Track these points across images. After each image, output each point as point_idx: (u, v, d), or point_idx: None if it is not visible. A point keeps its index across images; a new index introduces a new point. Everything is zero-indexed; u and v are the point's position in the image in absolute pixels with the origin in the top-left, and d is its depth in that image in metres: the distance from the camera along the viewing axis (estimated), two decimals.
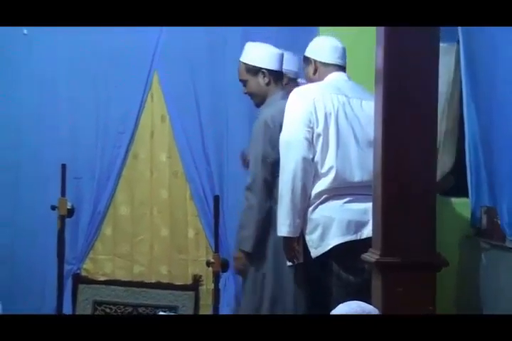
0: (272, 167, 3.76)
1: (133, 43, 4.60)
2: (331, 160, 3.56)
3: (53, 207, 3.75)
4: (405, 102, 3.09)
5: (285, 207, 3.55)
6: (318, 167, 3.58)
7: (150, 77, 4.65)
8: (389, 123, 3.11)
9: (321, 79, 3.76)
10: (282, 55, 3.98)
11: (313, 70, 3.78)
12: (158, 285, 4.66)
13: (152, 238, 4.70)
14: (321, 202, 3.59)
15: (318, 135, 3.57)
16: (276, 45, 4.29)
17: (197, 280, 4.60)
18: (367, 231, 3.49)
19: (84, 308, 4.62)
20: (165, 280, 4.66)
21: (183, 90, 4.66)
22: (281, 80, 4.02)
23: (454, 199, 4.28)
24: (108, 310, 4.64)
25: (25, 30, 4.46)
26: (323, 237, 3.54)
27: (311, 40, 4.09)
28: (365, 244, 3.32)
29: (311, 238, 3.58)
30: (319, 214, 3.57)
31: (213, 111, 4.66)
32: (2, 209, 4.57)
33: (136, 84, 4.59)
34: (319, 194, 3.57)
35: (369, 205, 3.33)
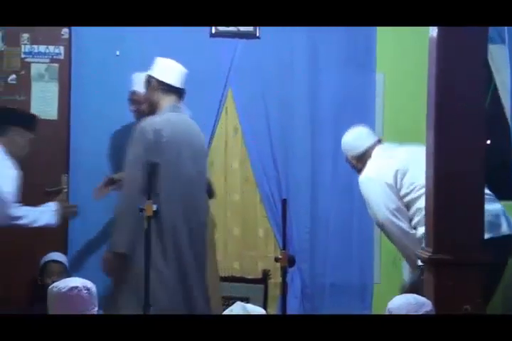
0: (145, 169, 3.65)
1: (211, 61, 4.75)
2: None
3: (141, 210, 3.63)
4: (456, 106, 3.13)
5: None
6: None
7: (225, 92, 4.79)
8: (440, 129, 3.16)
9: None
10: (183, 72, 3.97)
11: None
12: (232, 279, 4.71)
13: (226, 237, 4.86)
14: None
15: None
16: (338, 48, 4.62)
17: (266, 274, 4.69)
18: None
19: None
20: (237, 275, 4.78)
21: (254, 104, 4.80)
22: (174, 94, 3.95)
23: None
24: None
25: (117, 51, 4.68)
26: None
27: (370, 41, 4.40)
28: None
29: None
30: None
31: (281, 123, 4.81)
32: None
33: (212, 98, 4.75)
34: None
35: None
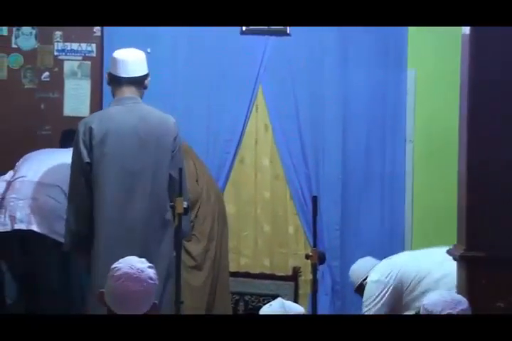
0: (84, 170, 3.62)
1: (242, 58, 4.78)
2: None
3: (171, 206, 3.62)
4: (490, 103, 3.12)
5: None
6: None
7: (255, 90, 4.82)
8: (473, 126, 3.15)
9: None
10: (126, 61, 3.71)
11: None
12: (262, 276, 4.76)
13: (256, 233, 4.88)
14: None
15: None
16: (369, 44, 4.64)
17: (296, 271, 4.70)
18: None
19: None
20: (268, 272, 4.81)
21: (284, 101, 4.82)
22: (122, 85, 3.71)
23: None
24: None
25: (148, 49, 4.57)
26: None
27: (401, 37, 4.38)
28: None
29: None
30: None
31: (311, 120, 4.81)
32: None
33: (243, 96, 4.77)
34: None
35: None
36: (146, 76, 3.77)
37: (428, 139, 4.70)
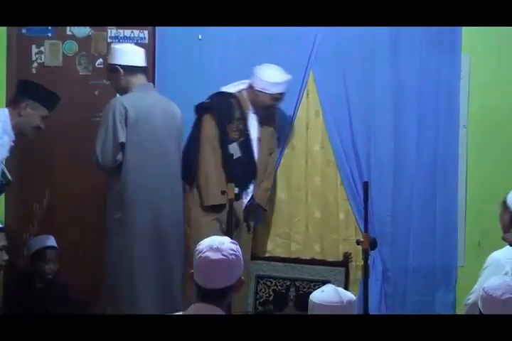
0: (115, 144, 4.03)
1: (293, 45, 4.74)
2: None
3: (223, 192, 3.91)
4: None
5: None
6: None
7: (306, 76, 4.78)
8: None
9: None
10: (137, 52, 4.23)
11: None
12: (313, 262, 4.79)
13: (307, 219, 4.84)
14: None
15: None
16: (421, 44, 4.57)
17: (347, 257, 4.74)
18: None
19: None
20: (318, 257, 4.82)
21: (335, 87, 4.79)
22: (138, 73, 4.19)
23: None
24: (269, 284, 4.77)
25: (200, 35, 4.72)
26: None
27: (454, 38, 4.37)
28: None
29: None
30: None
31: (362, 106, 4.76)
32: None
33: (294, 82, 4.65)
34: None
35: None
36: None
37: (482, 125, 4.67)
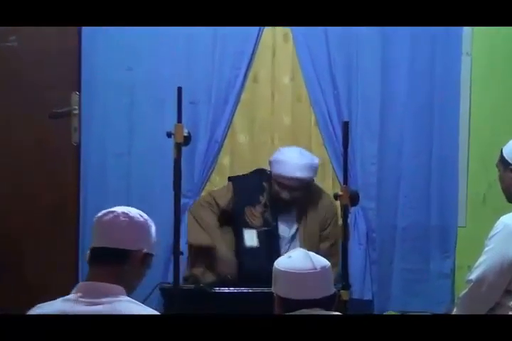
0: None
1: None
2: None
3: (169, 134, 3.52)
4: None
5: None
6: None
7: None
8: None
9: None
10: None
11: None
12: None
13: None
14: None
15: None
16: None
17: None
18: None
19: None
20: None
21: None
22: None
23: None
24: None
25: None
26: None
27: None
28: None
29: None
30: None
31: (341, 29, 4.38)
32: (118, 135, 4.45)
33: None
34: None
35: None
36: None
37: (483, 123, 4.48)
